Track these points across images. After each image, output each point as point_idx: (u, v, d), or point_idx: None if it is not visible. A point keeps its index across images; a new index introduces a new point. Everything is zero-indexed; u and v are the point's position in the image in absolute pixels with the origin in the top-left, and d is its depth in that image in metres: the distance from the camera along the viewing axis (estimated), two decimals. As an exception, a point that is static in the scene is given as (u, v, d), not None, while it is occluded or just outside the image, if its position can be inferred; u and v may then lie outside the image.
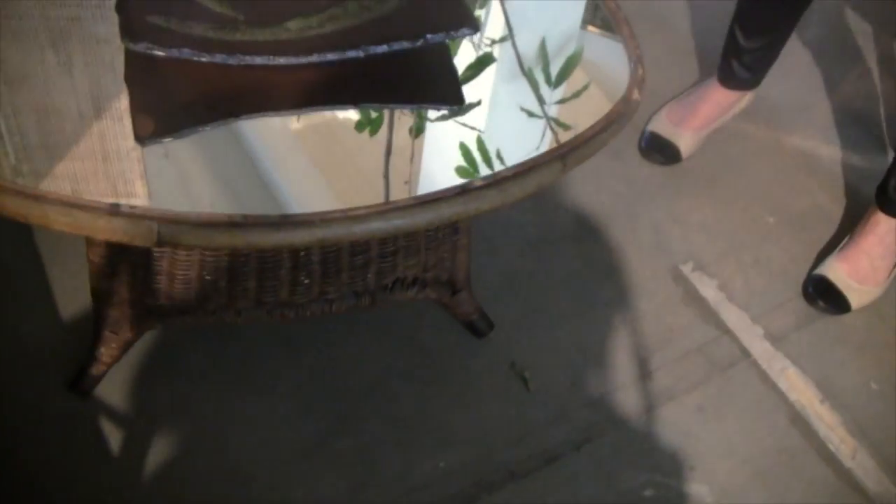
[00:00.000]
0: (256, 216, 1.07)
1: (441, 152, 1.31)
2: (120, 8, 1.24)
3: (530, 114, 1.32)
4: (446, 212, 1.12)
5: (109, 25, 1.26)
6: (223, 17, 1.26)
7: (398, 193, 1.19)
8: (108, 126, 1.17)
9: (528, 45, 1.43)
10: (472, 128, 1.28)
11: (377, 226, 1.10)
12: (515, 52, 1.42)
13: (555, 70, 1.39)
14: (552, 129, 1.31)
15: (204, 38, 1.22)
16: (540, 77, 1.37)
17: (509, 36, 1.44)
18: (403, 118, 1.29)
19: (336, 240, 1.11)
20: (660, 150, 2.11)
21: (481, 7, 1.47)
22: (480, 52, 1.40)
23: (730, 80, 2.08)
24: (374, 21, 1.28)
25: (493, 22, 1.47)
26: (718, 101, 2.10)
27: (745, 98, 2.12)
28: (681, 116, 2.11)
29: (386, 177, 1.25)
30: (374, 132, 1.27)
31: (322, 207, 1.12)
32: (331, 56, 1.22)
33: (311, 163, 1.28)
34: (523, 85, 1.37)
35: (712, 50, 2.12)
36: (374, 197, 1.19)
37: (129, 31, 1.21)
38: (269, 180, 1.24)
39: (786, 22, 1.98)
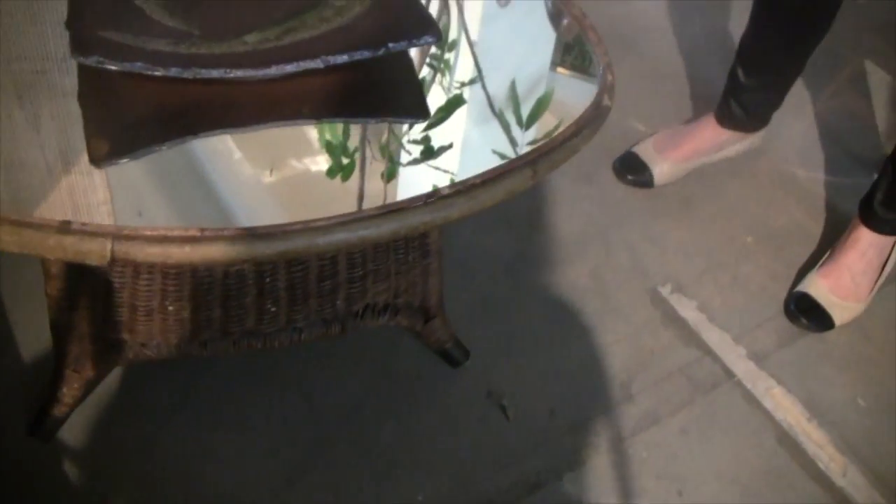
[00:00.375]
0: (214, 229, 1.02)
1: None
2: (70, 23, 1.20)
3: (502, 156, 1.29)
4: (413, 220, 1.08)
5: (76, 78, 1.23)
6: (177, 32, 1.23)
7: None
8: (76, 180, 1.13)
9: (498, 87, 1.40)
10: (445, 171, 1.24)
11: (342, 237, 1.05)
12: (486, 95, 1.39)
13: (525, 112, 1.36)
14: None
15: (158, 51, 1.18)
16: (511, 119, 1.35)
17: (479, 78, 1.42)
18: (375, 164, 1.26)
19: (299, 252, 1.06)
20: (633, 171, 2.08)
21: (450, 50, 1.45)
22: (450, 95, 1.38)
23: (725, 118, 2.06)
24: (333, 31, 1.24)
25: (462, 64, 1.46)
26: (708, 138, 2.08)
27: (742, 142, 2.10)
28: (665, 144, 2.09)
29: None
30: (345, 178, 1.23)
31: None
32: (289, 68, 1.18)
33: (285, 214, 1.23)
34: (495, 127, 1.34)
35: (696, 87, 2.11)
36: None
37: (79, 45, 1.17)
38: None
39: (788, 63, 1.96)
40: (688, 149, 2.07)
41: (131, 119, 1.18)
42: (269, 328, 1.43)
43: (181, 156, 1.17)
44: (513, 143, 1.31)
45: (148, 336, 1.40)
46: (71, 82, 1.23)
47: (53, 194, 1.10)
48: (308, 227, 1.04)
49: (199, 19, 1.27)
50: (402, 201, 1.08)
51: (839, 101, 2.07)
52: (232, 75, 1.17)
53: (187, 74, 1.16)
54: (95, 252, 1.00)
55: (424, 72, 1.40)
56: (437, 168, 1.24)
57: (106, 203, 1.11)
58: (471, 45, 1.48)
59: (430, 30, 1.25)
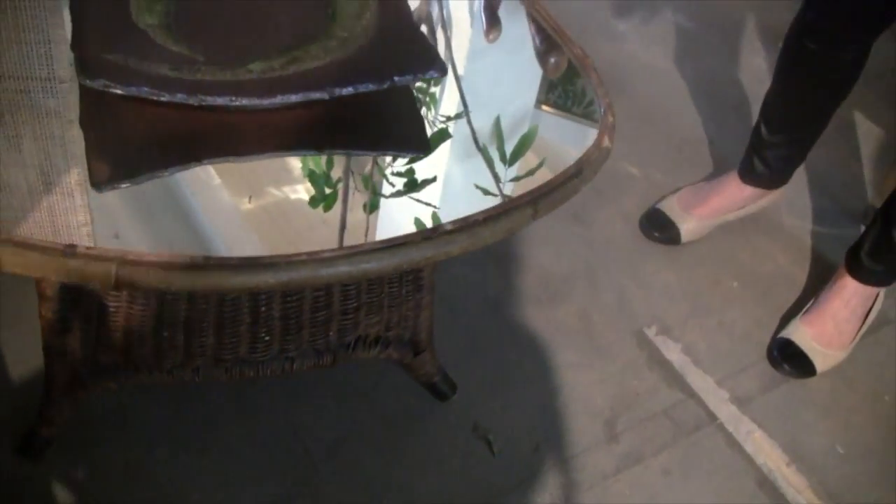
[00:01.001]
0: (218, 258, 1.03)
1: (396, 228, 1.26)
2: (75, 45, 1.21)
3: (485, 191, 1.30)
4: (415, 255, 1.09)
5: (59, 98, 1.24)
6: (182, 58, 1.23)
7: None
8: (57, 201, 1.13)
9: (483, 122, 1.41)
10: (427, 204, 1.25)
11: (344, 269, 1.06)
12: (471, 130, 1.40)
13: (509, 148, 1.37)
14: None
15: (163, 76, 1.18)
16: (495, 155, 1.36)
17: (464, 113, 1.43)
18: (358, 195, 1.27)
19: (301, 283, 1.06)
20: (659, 228, 2.10)
21: (436, 85, 1.46)
22: (436, 129, 1.39)
23: (748, 175, 2.07)
24: (338, 63, 1.25)
25: (448, 99, 1.46)
26: (732, 195, 2.10)
27: (765, 199, 2.12)
28: (690, 201, 2.11)
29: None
30: (327, 208, 1.24)
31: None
32: (294, 98, 1.19)
33: (262, 243, 1.25)
34: (478, 162, 1.35)
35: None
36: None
37: (85, 67, 1.17)
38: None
39: (812, 121, 1.98)
40: (713, 205, 2.09)
41: (133, 143, 1.18)
42: (261, 357, 1.44)
43: (161, 179, 1.17)
44: (496, 178, 1.32)
45: (140, 361, 1.40)
46: (54, 102, 1.24)
47: (34, 215, 1.10)
48: (312, 259, 1.04)
49: (203, 45, 1.27)
50: (405, 236, 1.09)
51: (827, 151, 2.09)
52: (237, 103, 1.18)
53: (193, 101, 1.16)
54: (100, 276, 1.01)
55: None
56: (419, 201, 1.25)
57: (86, 225, 1.11)
58: (457, 79, 1.48)
59: (435, 64, 1.26)
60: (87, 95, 1.21)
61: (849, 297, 1.89)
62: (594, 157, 1.26)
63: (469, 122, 1.41)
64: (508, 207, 1.15)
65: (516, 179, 1.33)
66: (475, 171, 1.34)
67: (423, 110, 1.40)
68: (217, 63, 1.24)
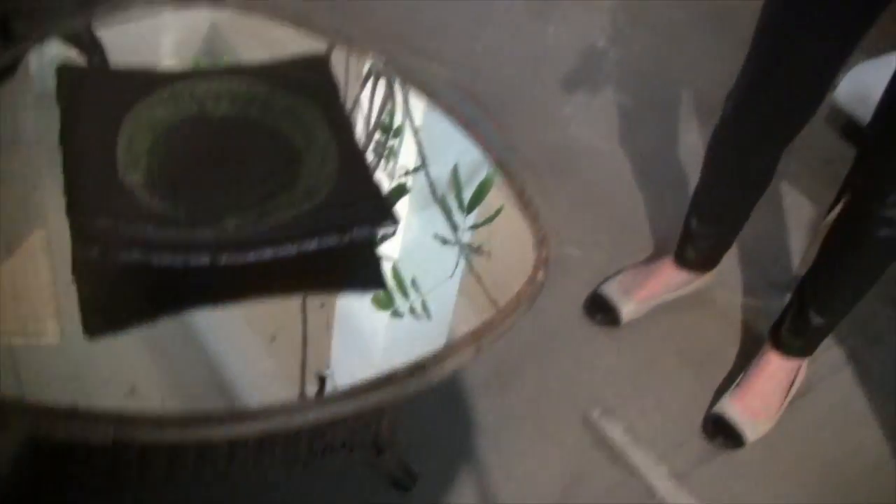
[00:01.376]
0: (205, 414, 1.17)
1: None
2: (70, 211, 1.31)
3: (444, 241, 1.41)
4: (373, 399, 1.23)
5: (19, 161, 1.32)
6: (165, 218, 1.34)
7: (315, 319, 1.30)
8: (18, 265, 1.21)
9: (441, 170, 1.49)
10: (388, 257, 1.37)
11: (314, 415, 1.21)
12: (428, 181, 1.49)
13: (468, 195, 1.46)
14: (466, 255, 1.41)
15: (150, 240, 1.30)
16: (453, 203, 1.45)
17: (422, 165, 1.51)
18: None
19: (278, 429, 1.21)
20: (602, 311, 2.24)
21: (395, 136, 1.54)
22: (394, 184, 1.48)
23: (683, 261, 2.23)
24: (304, 216, 1.37)
25: (406, 151, 1.54)
26: (668, 278, 2.25)
27: (698, 281, 2.27)
28: (630, 285, 2.24)
29: (303, 309, 1.36)
30: None
31: (239, 337, 1.27)
32: (267, 254, 1.31)
33: (233, 299, 1.37)
34: (437, 212, 1.44)
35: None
36: (291, 322, 1.32)
37: (80, 236, 1.28)
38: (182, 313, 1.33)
39: (737, 213, 2.15)
40: (651, 289, 2.24)
41: (122, 295, 1.31)
42: (238, 470, 1.57)
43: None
44: (454, 227, 1.43)
45: (126, 481, 1.50)
46: (19, 166, 1.32)
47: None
48: (285, 409, 1.19)
49: (184, 202, 1.39)
50: (365, 385, 1.23)
51: (755, 223, 2.21)
52: (218, 262, 1.31)
53: (178, 263, 1.30)
54: (99, 436, 1.14)
55: (370, 157, 1.50)
56: (378, 256, 1.37)
57: (48, 287, 1.22)
58: (415, 132, 1.57)
59: (389, 217, 1.38)
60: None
61: (774, 370, 2.06)
62: (529, 291, 1.39)
63: (427, 174, 1.49)
64: (453, 350, 1.29)
65: (475, 227, 1.43)
66: (434, 221, 1.43)
67: (383, 163, 1.50)
68: (196, 219, 1.36)
